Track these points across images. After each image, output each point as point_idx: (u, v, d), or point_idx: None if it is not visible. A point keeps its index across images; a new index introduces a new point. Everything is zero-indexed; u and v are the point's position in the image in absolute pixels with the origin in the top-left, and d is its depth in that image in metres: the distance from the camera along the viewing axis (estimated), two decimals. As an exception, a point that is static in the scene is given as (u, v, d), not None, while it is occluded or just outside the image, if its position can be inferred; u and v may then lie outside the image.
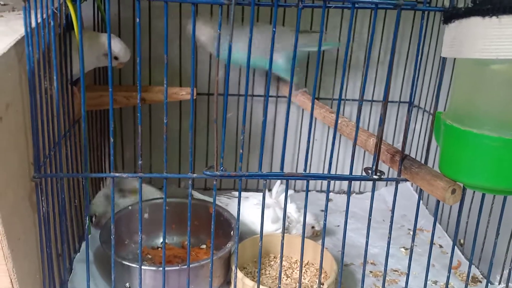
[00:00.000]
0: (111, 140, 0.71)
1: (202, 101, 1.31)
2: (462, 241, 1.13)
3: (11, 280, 0.68)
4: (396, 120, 1.39)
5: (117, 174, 0.73)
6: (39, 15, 0.71)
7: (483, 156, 0.63)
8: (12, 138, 0.68)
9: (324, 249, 0.82)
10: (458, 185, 0.66)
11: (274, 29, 0.66)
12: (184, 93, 1.10)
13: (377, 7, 0.65)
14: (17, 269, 0.68)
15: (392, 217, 0.78)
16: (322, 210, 1.30)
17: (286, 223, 1.08)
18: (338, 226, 1.23)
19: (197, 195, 1.19)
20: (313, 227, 1.10)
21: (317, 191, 1.45)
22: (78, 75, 0.92)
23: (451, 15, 0.64)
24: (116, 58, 0.98)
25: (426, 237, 1.19)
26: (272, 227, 1.06)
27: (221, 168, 0.73)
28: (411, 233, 1.21)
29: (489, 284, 0.90)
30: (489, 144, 0.62)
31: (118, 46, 0.97)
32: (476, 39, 0.59)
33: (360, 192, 1.47)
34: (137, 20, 0.65)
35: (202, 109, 1.32)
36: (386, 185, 1.46)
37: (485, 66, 0.61)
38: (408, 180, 0.75)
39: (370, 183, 1.47)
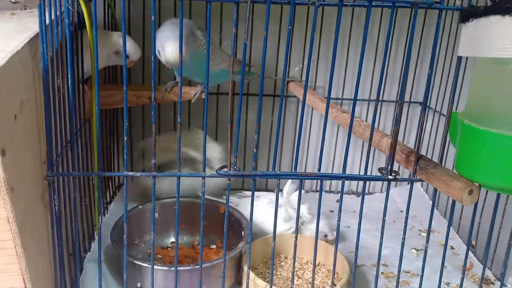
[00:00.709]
0: (125, 139, 0.70)
1: (211, 101, 1.31)
2: (473, 242, 1.12)
3: (23, 279, 0.67)
4: (406, 120, 1.39)
5: (130, 173, 0.73)
6: (52, 12, 0.71)
7: (501, 156, 0.62)
8: (26, 137, 0.67)
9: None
10: (475, 186, 0.65)
11: (289, 27, 0.65)
12: (193, 93, 1.10)
13: (395, 6, 0.65)
14: (30, 268, 0.67)
15: (406, 218, 0.77)
16: (331, 211, 1.30)
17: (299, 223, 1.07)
18: (348, 227, 1.22)
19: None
20: (325, 236, 1.08)
21: (326, 191, 1.44)
22: (88, 74, 0.91)
23: (469, 13, 0.64)
24: (127, 56, 0.98)
25: (436, 238, 1.19)
26: (284, 227, 1.05)
27: (235, 167, 0.73)
28: (422, 234, 1.21)
29: (503, 286, 0.89)
30: (508, 144, 0.61)
31: (129, 45, 0.97)
32: (496, 38, 0.59)
33: (369, 193, 1.46)
34: (152, 18, 0.64)
35: (211, 109, 1.32)
36: (396, 186, 1.45)
37: (505, 65, 0.61)
38: (422, 181, 0.74)
39: (378, 183, 1.46)
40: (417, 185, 1.40)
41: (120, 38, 0.95)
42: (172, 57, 0.93)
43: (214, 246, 1.07)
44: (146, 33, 1.21)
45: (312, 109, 1.36)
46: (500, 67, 0.61)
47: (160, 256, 1.02)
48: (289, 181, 1.14)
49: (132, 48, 0.98)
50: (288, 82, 1.30)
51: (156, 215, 1.05)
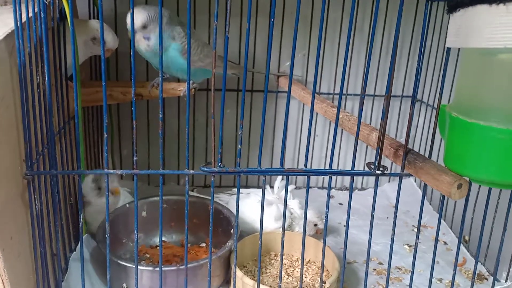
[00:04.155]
0: (105, 135, 0.68)
1: (200, 97, 1.29)
2: (467, 237, 1.11)
3: (2, 280, 0.66)
4: (399, 114, 1.37)
5: (111, 171, 0.71)
6: (30, 8, 0.69)
7: (490, 149, 0.61)
8: (3, 134, 0.66)
9: (326, 246, 0.79)
10: (464, 180, 0.64)
11: (272, 20, 0.64)
12: (181, 89, 1.08)
13: (379, -4, 0.63)
14: (9, 269, 0.66)
15: (395, 213, 0.75)
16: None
17: (289, 220, 1.05)
18: (340, 223, 1.21)
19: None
20: (315, 225, 1.07)
21: (319, 187, 1.43)
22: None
23: (456, 3, 0.62)
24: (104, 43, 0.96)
25: (430, 233, 1.17)
26: (275, 225, 1.04)
27: (219, 164, 0.71)
28: (415, 229, 1.19)
29: (495, 281, 0.88)
30: (496, 136, 0.60)
31: (106, 32, 0.95)
32: (483, 28, 0.57)
33: (362, 189, 1.45)
34: (131, 11, 0.63)
35: (201, 105, 1.30)
36: (389, 181, 1.44)
37: (492, 56, 0.59)
38: (411, 175, 0.73)
39: (372, 179, 1.44)
40: (410, 180, 1.38)
41: (96, 24, 0.94)
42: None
43: (203, 245, 1.05)
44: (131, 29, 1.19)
45: (304, 104, 1.34)
46: (487, 58, 0.60)
47: (148, 255, 1.00)
48: (279, 177, 1.12)
49: (109, 35, 0.96)
50: (279, 77, 1.29)
51: (144, 213, 1.04)
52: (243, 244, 0.96)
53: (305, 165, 0.73)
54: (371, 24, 1.26)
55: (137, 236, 0.73)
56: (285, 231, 0.77)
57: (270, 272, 0.96)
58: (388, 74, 0.68)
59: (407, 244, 1.12)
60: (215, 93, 0.68)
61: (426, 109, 1.30)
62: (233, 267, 0.85)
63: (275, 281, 0.93)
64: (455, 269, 0.80)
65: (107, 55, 1.00)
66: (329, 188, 0.75)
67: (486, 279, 0.99)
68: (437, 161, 0.72)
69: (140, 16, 0.93)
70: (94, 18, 1.11)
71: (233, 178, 1.36)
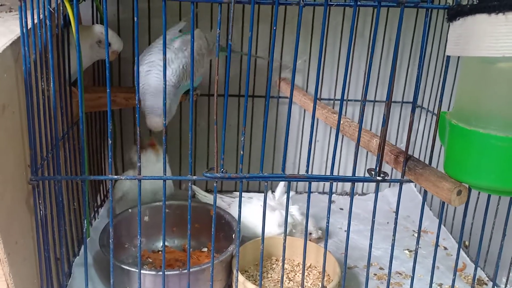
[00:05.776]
0: (109, 141, 0.69)
1: (202, 102, 1.30)
2: (467, 242, 1.11)
3: (7, 284, 0.66)
4: (399, 120, 1.38)
5: (115, 177, 0.72)
6: (35, 15, 0.70)
7: (489, 156, 0.62)
8: (9, 140, 0.66)
9: (327, 251, 0.80)
10: (464, 186, 0.65)
11: (275, 28, 0.65)
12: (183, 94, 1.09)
13: (380, 5, 0.64)
14: (14, 273, 0.66)
15: (396, 218, 0.76)
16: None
17: (291, 227, 1.06)
18: (340, 228, 1.22)
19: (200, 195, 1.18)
20: (310, 233, 1.08)
21: (319, 192, 1.43)
22: (76, 75, 0.91)
23: (456, 12, 0.63)
24: (109, 44, 0.97)
25: (430, 238, 1.18)
26: (278, 231, 1.04)
27: (222, 169, 0.72)
28: (415, 235, 1.20)
29: (495, 286, 0.89)
30: (496, 144, 0.61)
31: (110, 34, 0.96)
32: (482, 37, 0.58)
33: (362, 194, 1.45)
34: (135, 19, 0.63)
35: (203, 110, 1.31)
36: (390, 186, 1.44)
37: (492, 65, 0.60)
38: (412, 181, 0.73)
39: (373, 184, 1.45)
40: (411, 185, 1.39)
41: (101, 28, 0.95)
42: (155, 128, 0.98)
43: (205, 249, 1.06)
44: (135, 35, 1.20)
45: (305, 110, 1.35)
46: (486, 66, 0.61)
47: (150, 260, 1.01)
48: (281, 183, 1.13)
49: (113, 37, 0.98)
50: (280, 82, 1.30)
51: (146, 218, 1.04)
52: (244, 249, 0.97)
53: (307, 171, 0.73)
54: (372, 31, 1.27)
55: (140, 240, 0.74)
56: (286, 236, 0.78)
57: (271, 276, 0.97)
58: (389, 81, 0.68)
59: (408, 249, 1.13)
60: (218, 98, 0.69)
61: (426, 115, 1.31)
62: (235, 271, 0.86)
63: (276, 286, 0.93)
64: (455, 274, 0.80)
65: (113, 58, 1.01)
66: (330, 194, 0.76)
67: (486, 284, 1.00)
68: (437, 167, 0.73)
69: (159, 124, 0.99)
70: (97, 23, 1.12)
71: (234, 183, 1.37)
